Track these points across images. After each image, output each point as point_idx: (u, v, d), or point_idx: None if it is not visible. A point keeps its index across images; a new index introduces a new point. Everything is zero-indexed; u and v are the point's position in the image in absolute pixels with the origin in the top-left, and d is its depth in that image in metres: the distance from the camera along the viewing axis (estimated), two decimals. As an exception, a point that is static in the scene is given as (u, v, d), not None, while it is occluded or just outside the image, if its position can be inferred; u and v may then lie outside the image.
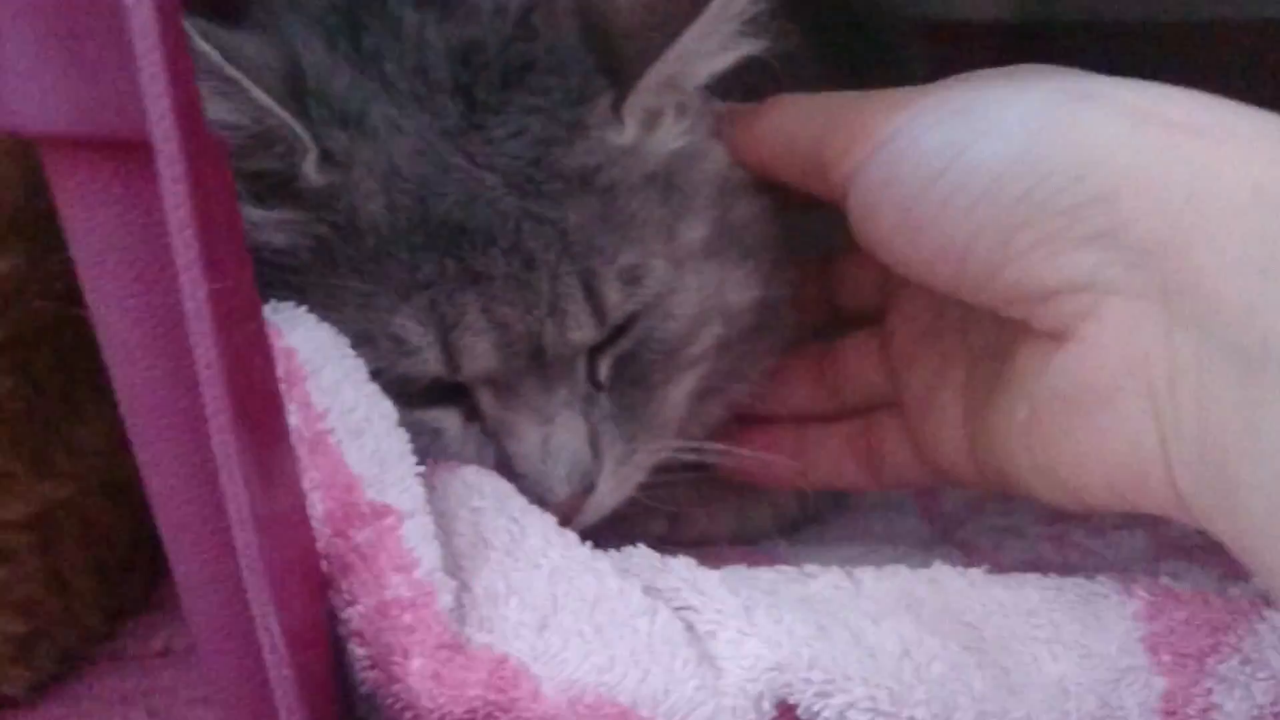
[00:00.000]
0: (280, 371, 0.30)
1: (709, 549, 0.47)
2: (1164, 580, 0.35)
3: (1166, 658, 0.32)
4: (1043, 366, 0.34)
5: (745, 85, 0.41)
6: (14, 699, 0.40)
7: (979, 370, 0.38)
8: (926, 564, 0.38)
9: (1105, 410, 0.32)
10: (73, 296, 0.27)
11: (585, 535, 0.37)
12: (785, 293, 0.43)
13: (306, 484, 0.30)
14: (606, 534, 0.40)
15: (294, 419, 0.30)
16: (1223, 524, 0.29)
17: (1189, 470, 0.30)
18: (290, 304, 0.34)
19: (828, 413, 0.46)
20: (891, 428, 0.43)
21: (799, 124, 0.39)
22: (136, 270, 0.24)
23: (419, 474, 0.32)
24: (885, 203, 0.36)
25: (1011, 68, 0.36)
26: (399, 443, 0.32)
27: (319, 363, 0.32)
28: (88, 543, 0.42)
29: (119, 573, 0.43)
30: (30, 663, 0.40)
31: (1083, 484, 0.33)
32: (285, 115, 0.34)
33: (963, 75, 0.36)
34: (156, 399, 0.26)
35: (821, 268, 0.47)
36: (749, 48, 0.39)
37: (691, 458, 0.43)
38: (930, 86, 0.36)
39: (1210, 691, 0.32)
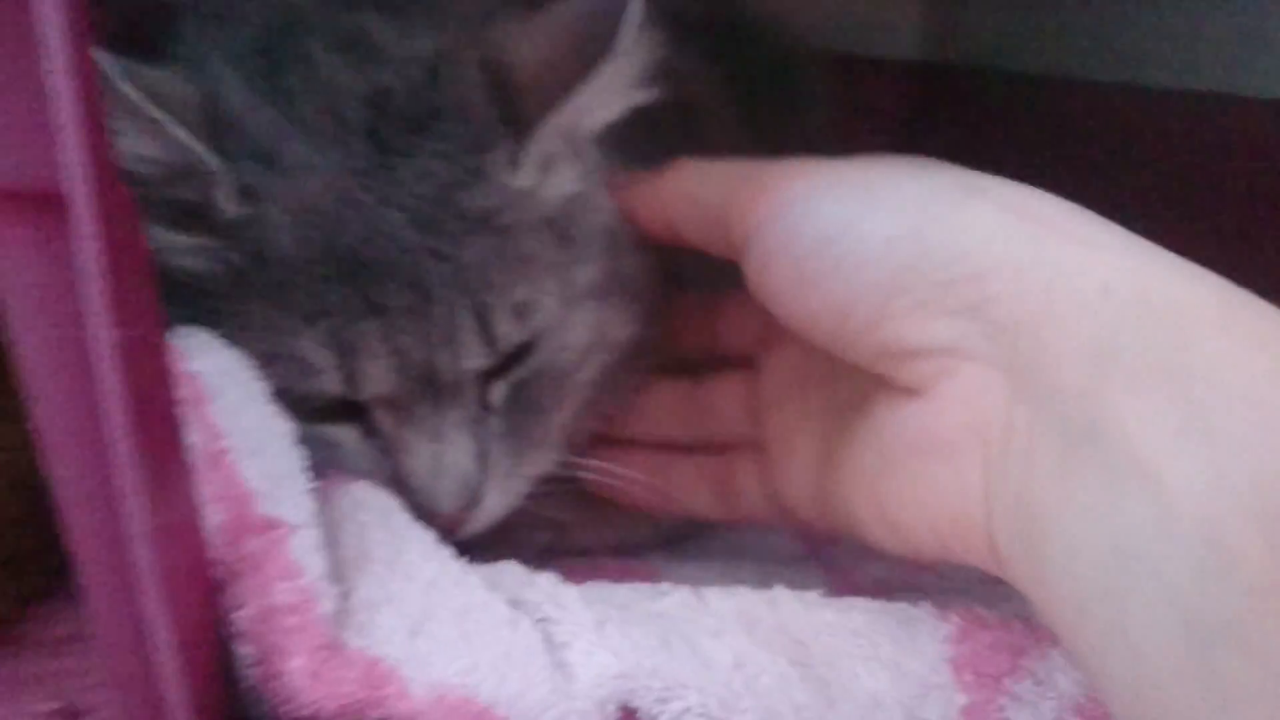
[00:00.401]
0: (184, 394, 0.33)
1: (591, 559, 0.51)
2: (978, 608, 0.38)
3: (969, 677, 0.36)
4: (894, 417, 0.37)
5: (661, 136, 0.45)
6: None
7: (837, 422, 0.41)
8: (792, 579, 0.41)
9: (943, 461, 0.35)
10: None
11: (477, 543, 0.40)
12: (659, 330, 0.47)
13: (204, 497, 0.32)
14: (496, 541, 0.44)
15: (195, 437, 0.33)
16: (1029, 582, 0.32)
17: (1006, 527, 0.33)
18: (197, 330, 0.36)
19: (687, 444, 0.49)
20: (747, 468, 0.46)
21: (705, 186, 0.42)
22: (50, 311, 0.27)
23: (312, 490, 0.35)
24: (781, 259, 0.38)
25: (908, 157, 0.39)
26: (294, 461, 0.35)
27: (222, 386, 0.34)
28: (-2, 535, 0.44)
29: (26, 562, 0.46)
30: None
31: (913, 529, 0.36)
32: (205, 153, 0.37)
33: (863, 156, 0.39)
34: (66, 421, 0.29)
35: (705, 306, 0.50)
36: (641, 98, 0.42)
37: (572, 473, 0.47)
38: (832, 160, 0.39)
39: (1005, 708, 0.36)
